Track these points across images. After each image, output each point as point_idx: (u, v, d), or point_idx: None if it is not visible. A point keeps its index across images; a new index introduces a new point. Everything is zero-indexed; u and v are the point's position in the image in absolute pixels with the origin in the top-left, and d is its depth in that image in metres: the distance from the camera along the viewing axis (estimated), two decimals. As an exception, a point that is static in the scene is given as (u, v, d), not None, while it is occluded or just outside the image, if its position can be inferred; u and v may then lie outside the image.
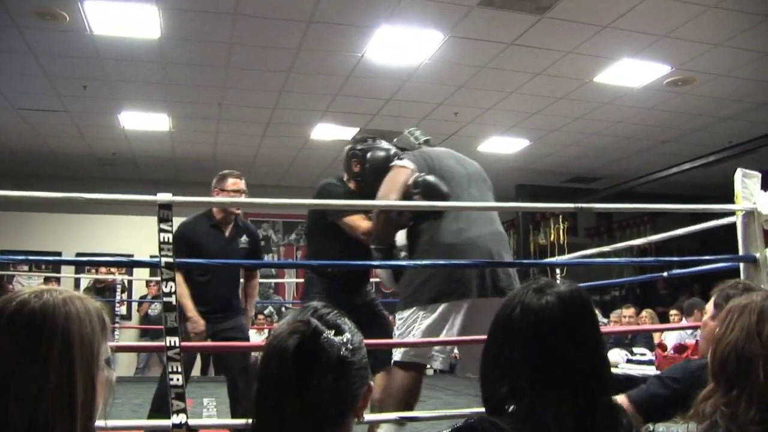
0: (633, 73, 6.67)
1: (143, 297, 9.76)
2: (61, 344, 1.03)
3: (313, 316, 1.18)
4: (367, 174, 3.37)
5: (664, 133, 8.70)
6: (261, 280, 10.08)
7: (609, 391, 1.32)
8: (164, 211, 2.21)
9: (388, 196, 2.92)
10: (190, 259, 3.32)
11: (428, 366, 3.16)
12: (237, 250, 3.90)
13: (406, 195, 2.96)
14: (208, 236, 3.85)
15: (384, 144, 3.53)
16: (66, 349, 1.03)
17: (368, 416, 2.49)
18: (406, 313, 2.92)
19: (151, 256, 2.52)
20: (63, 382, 1.01)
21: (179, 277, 2.89)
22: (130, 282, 10.06)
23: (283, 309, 10.50)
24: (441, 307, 2.88)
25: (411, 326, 2.90)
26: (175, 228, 2.85)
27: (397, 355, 2.93)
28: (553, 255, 10.66)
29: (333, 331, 1.16)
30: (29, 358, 1.01)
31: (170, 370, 2.16)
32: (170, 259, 2.18)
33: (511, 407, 1.27)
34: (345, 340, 1.17)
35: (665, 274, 4.34)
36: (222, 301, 3.89)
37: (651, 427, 1.76)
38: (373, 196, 3.01)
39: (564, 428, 1.23)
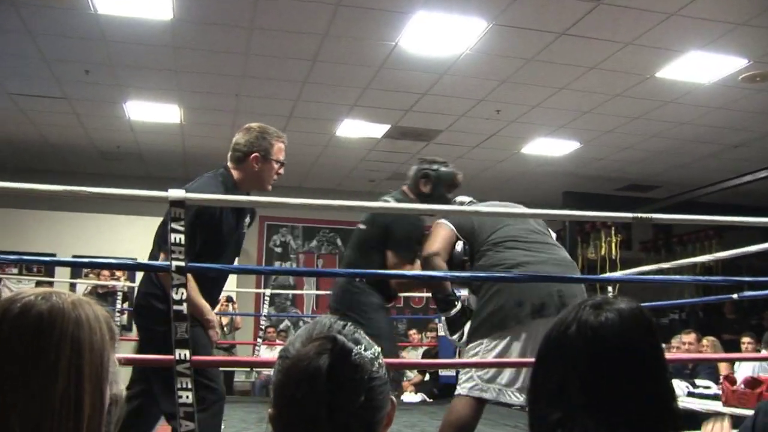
0: (702, 67, 6.59)
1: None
2: (69, 352, 1.03)
3: (335, 331, 1.19)
4: (436, 198, 3.78)
5: (737, 136, 8.59)
6: (277, 291, 10.22)
7: (675, 425, 1.30)
8: (176, 209, 2.23)
9: (436, 254, 3.48)
10: (206, 244, 3.10)
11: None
12: (241, 234, 3.49)
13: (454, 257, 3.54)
14: (225, 213, 3.38)
15: (458, 176, 3.92)
16: (75, 357, 1.03)
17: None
18: (471, 345, 3.38)
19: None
20: (70, 393, 1.01)
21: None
22: (131, 289, 10.14)
23: (301, 324, 10.54)
24: (504, 336, 3.29)
25: (474, 359, 3.34)
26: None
27: (460, 388, 3.34)
28: (603, 271, 10.58)
29: (361, 347, 1.19)
30: (35, 366, 1.01)
31: (179, 386, 2.17)
32: (182, 263, 2.20)
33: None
34: (374, 355, 1.20)
35: (735, 296, 4.29)
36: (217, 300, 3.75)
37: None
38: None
39: None
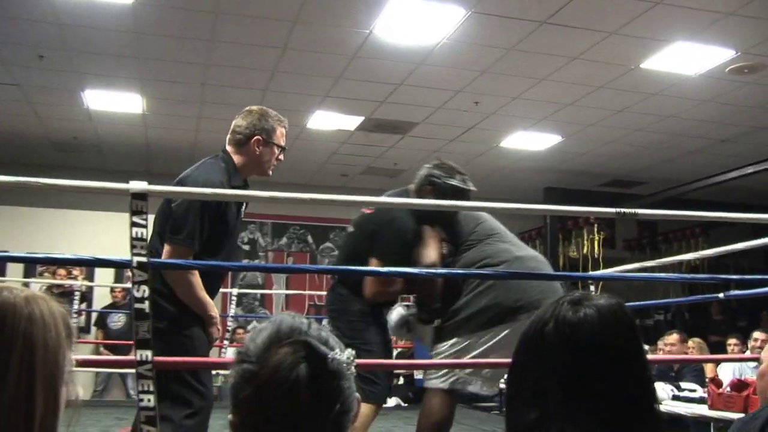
0: (689, 58, 6.65)
1: (107, 307, 9.73)
2: (21, 349, 1.02)
3: (303, 333, 1.20)
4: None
5: (724, 130, 8.69)
6: (245, 291, 10.19)
7: (656, 426, 1.31)
8: (138, 202, 2.21)
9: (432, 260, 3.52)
10: (212, 235, 3.06)
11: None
12: (240, 223, 3.44)
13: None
14: (233, 202, 3.29)
15: (469, 187, 3.78)
16: (27, 355, 1.02)
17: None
18: (453, 340, 3.44)
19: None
20: (21, 393, 1.00)
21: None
22: (90, 289, 10.05)
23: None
24: (498, 332, 3.38)
25: (461, 354, 3.39)
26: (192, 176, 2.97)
27: (440, 383, 3.41)
28: (585, 270, 10.65)
29: (335, 351, 1.20)
30: None
31: (141, 389, 2.16)
32: (143, 259, 2.18)
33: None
34: (348, 357, 1.21)
35: (721, 295, 4.34)
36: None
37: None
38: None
39: None
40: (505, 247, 3.57)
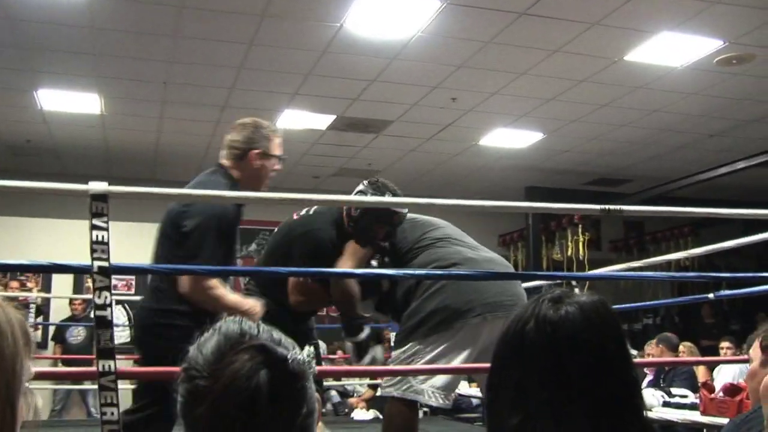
0: (675, 49, 6.70)
1: (65, 320, 9.66)
2: None
3: (253, 337, 1.16)
4: (361, 229, 3.69)
5: (713, 125, 8.78)
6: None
7: (641, 424, 1.34)
8: (98, 204, 2.21)
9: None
10: (226, 250, 3.17)
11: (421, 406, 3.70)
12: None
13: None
14: (239, 210, 3.36)
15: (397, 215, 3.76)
16: None
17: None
18: (406, 346, 3.45)
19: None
20: None
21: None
22: (46, 301, 9.97)
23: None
24: (447, 337, 3.39)
25: (412, 359, 3.41)
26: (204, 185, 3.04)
27: (394, 390, 3.43)
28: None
29: (293, 351, 1.17)
30: None
31: (103, 401, 2.16)
32: (105, 263, 2.18)
33: None
34: (308, 354, 1.18)
35: (711, 295, 4.39)
36: None
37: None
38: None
39: None
40: (456, 249, 3.61)
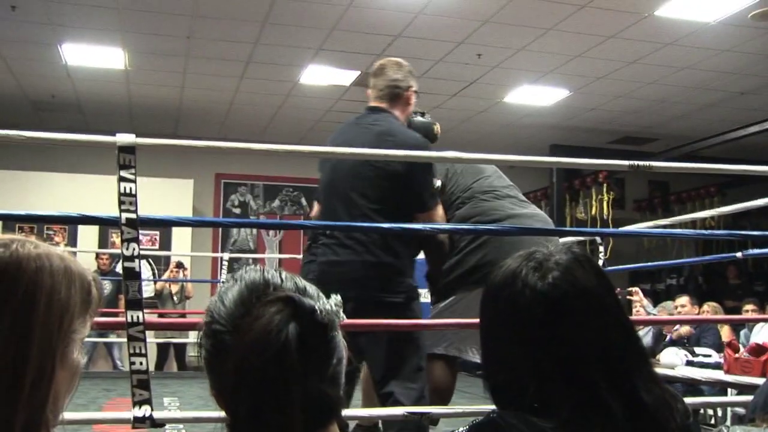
0: (707, 3, 6.61)
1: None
2: (18, 304, 0.98)
3: (278, 287, 1.14)
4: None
5: (744, 82, 8.67)
6: (236, 255, 10.23)
7: (647, 362, 1.36)
8: (125, 155, 2.21)
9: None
10: None
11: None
12: None
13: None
14: None
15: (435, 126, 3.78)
16: (24, 311, 0.99)
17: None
18: (450, 299, 3.43)
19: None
20: (9, 353, 0.96)
21: None
22: (73, 257, 10.03)
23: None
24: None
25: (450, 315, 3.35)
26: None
27: (432, 347, 3.37)
28: (595, 233, 10.69)
29: (319, 301, 1.14)
30: None
31: (132, 351, 2.17)
32: (133, 215, 2.19)
33: (533, 396, 1.30)
34: (336, 303, 1.15)
35: (739, 254, 4.36)
36: None
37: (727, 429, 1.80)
38: None
39: (607, 414, 1.25)
40: (500, 203, 3.54)
